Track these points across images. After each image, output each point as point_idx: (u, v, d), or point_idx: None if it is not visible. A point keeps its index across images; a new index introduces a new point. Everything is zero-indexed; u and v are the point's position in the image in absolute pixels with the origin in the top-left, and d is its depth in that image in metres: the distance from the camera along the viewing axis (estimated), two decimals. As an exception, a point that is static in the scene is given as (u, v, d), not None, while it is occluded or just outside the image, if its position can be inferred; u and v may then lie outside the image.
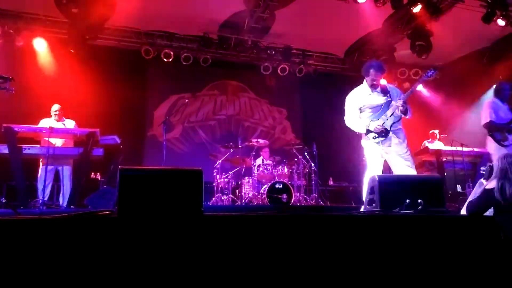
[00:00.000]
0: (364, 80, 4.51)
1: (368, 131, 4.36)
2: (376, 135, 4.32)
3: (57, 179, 6.11)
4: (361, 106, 4.46)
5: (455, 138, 6.91)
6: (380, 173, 4.40)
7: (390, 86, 4.58)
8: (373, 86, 4.44)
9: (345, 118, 4.57)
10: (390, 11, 7.46)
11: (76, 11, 6.84)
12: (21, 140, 5.60)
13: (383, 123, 4.31)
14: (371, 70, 4.38)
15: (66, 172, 6.06)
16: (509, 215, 2.91)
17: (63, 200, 5.96)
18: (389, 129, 4.31)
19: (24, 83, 7.14)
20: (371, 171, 4.30)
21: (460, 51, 9.21)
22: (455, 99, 9.16)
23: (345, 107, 4.57)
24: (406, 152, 4.37)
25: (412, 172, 4.31)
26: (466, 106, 8.72)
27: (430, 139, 7.82)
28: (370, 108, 4.43)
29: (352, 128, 4.53)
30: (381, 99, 4.41)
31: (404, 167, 4.28)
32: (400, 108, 4.25)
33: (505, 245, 2.87)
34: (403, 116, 4.35)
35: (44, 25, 8.11)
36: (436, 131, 7.81)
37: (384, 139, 4.31)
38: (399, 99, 4.31)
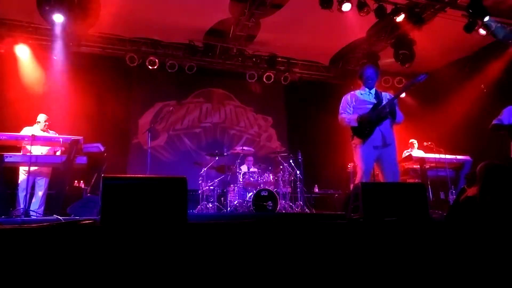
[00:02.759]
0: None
1: (359, 126, 4.40)
2: (364, 133, 4.36)
3: (33, 187, 5.98)
4: (353, 104, 4.58)
5: (438, 146, 7.00)
6: (370, 178, 4.43)
7: (384, 93, 4.68)
8: (367, 86, 4.56)
9: (339, 116, 4.65)
10: (374, 20, 7.56)
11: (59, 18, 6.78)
12: (0, 148, 5.45)
13: (371, 118, 4.36)
14: (365, 70, 4.61)
15: (42, 184, 5.95)
16: (490, 222, 2.95)
17: (39, 207, 5.83)
18: (376, 124, 4.35)
19: (6, 90, 7.03)
20: (362, 177, 4.30)
21: (442, 59, 9.38)
22: (438, 107, 9.29)
23: (340, 107, 4.67)
24: (395, 158, 4.46)
25: (397, 178, 4.36)
26: (448, 114, 8.85)
27: (409, 149, 7.90)
28: (361, 105, 4.51)
29: (344, 123, 4.55)
30: (372, 99, 4.52)
31: (391, 173, 4.33)
32: (387, 109, 4.33)
33: (485, 250, 2.91)
34: (391, 117, 4.39)
35: (27, 31, 8.01)
36: (415, 141, 7.89)
37: (378, 146, 4.33)
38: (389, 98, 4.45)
